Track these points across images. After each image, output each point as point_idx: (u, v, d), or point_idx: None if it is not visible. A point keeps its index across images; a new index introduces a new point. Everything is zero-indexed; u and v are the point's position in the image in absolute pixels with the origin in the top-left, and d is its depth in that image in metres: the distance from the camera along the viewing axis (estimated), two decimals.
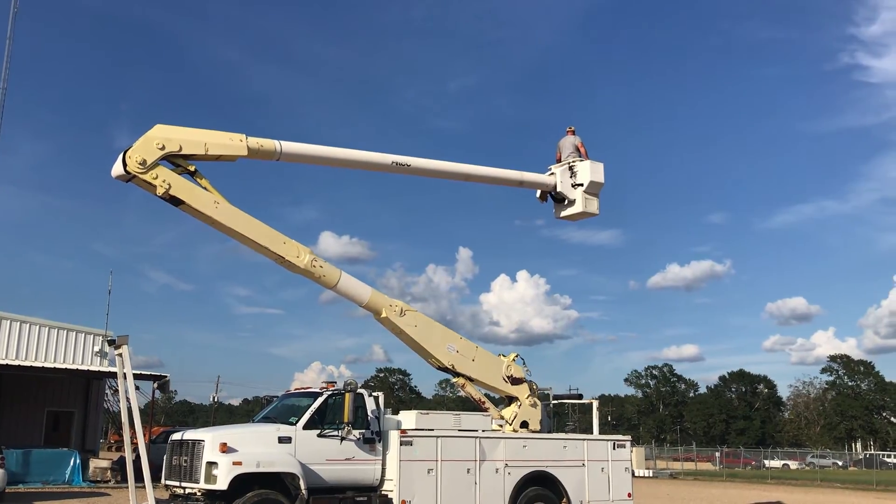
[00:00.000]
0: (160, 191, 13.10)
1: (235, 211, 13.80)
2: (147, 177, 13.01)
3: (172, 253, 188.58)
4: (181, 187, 13.34)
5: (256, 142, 14.11)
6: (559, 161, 18.26)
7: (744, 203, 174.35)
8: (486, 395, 17.10)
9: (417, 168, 16.02)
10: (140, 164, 12.94)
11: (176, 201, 13.35)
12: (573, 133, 18.31)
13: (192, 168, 13.70)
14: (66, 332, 32.19)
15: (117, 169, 13.07)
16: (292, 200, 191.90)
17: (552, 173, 18.07)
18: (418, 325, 15.55)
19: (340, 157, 15.16)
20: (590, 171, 17.63)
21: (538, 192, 18.23)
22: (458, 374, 15.99)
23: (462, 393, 16.95)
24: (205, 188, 13.66)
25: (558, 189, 17.80)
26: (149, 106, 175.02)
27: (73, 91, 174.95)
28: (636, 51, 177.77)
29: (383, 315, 15.19)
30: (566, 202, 17.91)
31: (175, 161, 13.49)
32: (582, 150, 18.04)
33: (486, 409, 16.50)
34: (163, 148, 13.19)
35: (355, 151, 15.35)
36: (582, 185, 17.65)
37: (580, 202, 17.64)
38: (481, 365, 16.24)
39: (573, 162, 17.91)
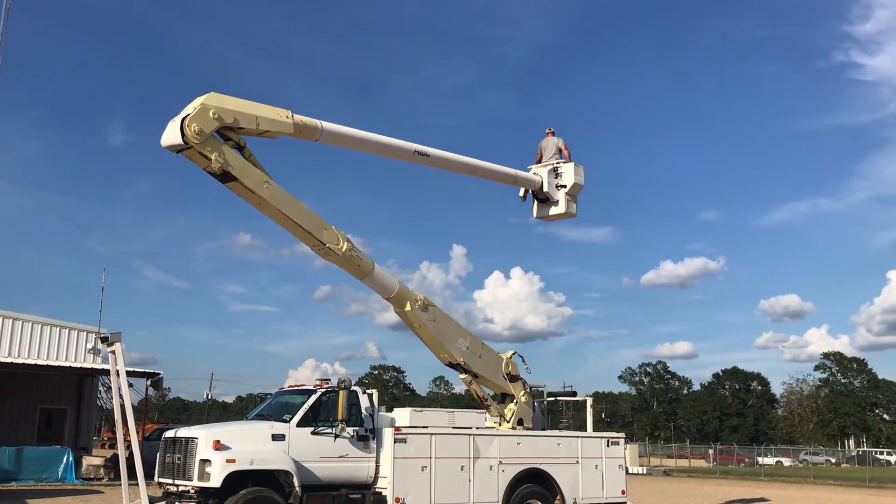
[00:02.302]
0: (215, 166, 12.12)
1: (283, 192, 13.11)
2: (204, 149, 11.99)
3: (166, 250, 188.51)
4: (235, 163, 12.43)
5: (301, 119, 13.35)
6: (539, 162, 18.29)
7: (738, 200, 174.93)
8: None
9: (435, 157, 15.80)
10: (197, 134, 11.85)
11: (227, 178, 12.43)
12: (553, 134, 18.36)
13: (242, 142, 12.86)
14: (59, 329, 32.08)
15: (173, 137, 11.91)
16: None
17: (535, 173, 18.08)
18: (437, 320, 15.51)
19: (372, 140, 14.81)
20: (574, 173, 17.74)
21: (521, 191, 18.25)
22: (466, 371, 15.99)
23: (464, 389, 16.93)
24: (253, 165, 12.87)
25: (545, 189, 17.83)
26: (142, 102, 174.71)
27: (67, 87, 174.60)
28: (630, 48, 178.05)
29: (407, 308, 15.03)
30: (549, 202, 17.96)
31: (225, 134, 12.55)
32: (565, 151, 18.09)
33: (487, 407, 16.51)
34: (218, 119, 12.19)
35: (384, 137, 15.03)
36: (565, 186, 17.74)
37: (563, 203, 17.75)
38: (487, 362, 16.29)
39: (557, 163, 17.97)
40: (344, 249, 13.92)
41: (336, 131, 14.09)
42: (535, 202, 18.19)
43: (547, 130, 18.47)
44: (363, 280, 14.66)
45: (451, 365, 16.01)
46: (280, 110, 13.13)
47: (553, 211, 18.00)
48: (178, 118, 11.96)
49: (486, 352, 16.41)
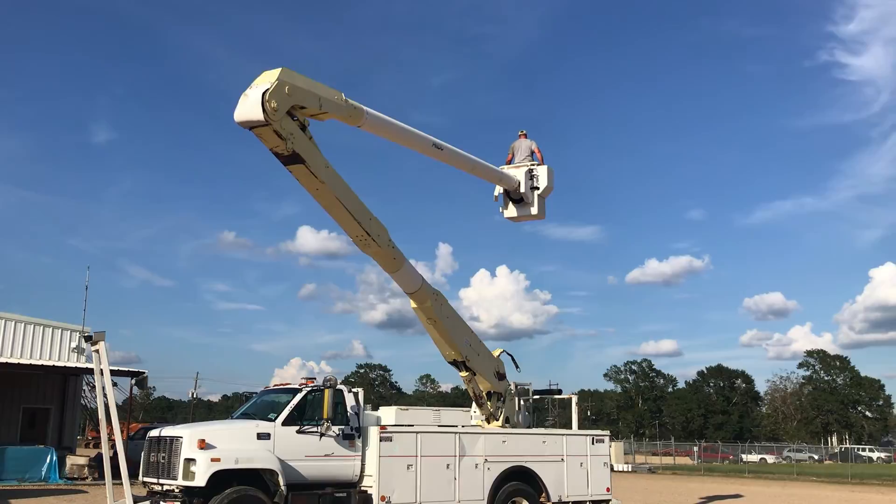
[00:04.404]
0: (288, 146, 11.42)
1: (339, 177, 12.63)
2: (281, 128, 11.21)
3: (151, 248, 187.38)
4: (305, 145, 11.73)
5: (352, 103, 12.72)
6: (509, 163, 18.32)
7: (723, 199, 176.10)
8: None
9: (447, 151, 15.74)
10: (275, 111, 10.99)
11: (294, 160, 11.75)
12: (526, 136, 18.39)
13: (306, 123, 12.06)
14: (42, 328, 31.87)
15: (253, 113, 10.93)
16: (270, 196, 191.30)
17: (513, 174, 18.10)
18: (449, 317, 15.64)
19: (404, 129, 14.62)
20: (547, 176, 17.83)
21: (497, 190, 18.28)
22: (468, 369, 16.06)
23: (450, 387, 17.05)
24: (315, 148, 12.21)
25: (521, 190, 17.88)
26: (126, 100, 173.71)
27: (50, 85, 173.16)
28: (618, 47, 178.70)
29: (428, 304, 15.06)
30: (523, 203, 18.02)
31: (290, 112, 11.67)
32: (538, 154, 18.15)
33: (482, 405, 16.60)
34: (291, 96, 11.33)
35: (411, 127, 14.77)
36: (538, 188, 17.84)
37: (536, 205, 17.84)
38: (484, 360, 16.45)
39: (531, 166, 18.04)
40: (384, 241, 13.87)
41: (378, 117, 13.76)
42: (509, 202, 18.22)
43: (519, 132, 18.49)
44: (393, 273, 14.59)
45: (454, 362, 16.10)
46: (336, 91, 12.41)
47: (526, 211, 18.13)
48: (254, 92, 11.03)
49: (484, 350, 16.58)
